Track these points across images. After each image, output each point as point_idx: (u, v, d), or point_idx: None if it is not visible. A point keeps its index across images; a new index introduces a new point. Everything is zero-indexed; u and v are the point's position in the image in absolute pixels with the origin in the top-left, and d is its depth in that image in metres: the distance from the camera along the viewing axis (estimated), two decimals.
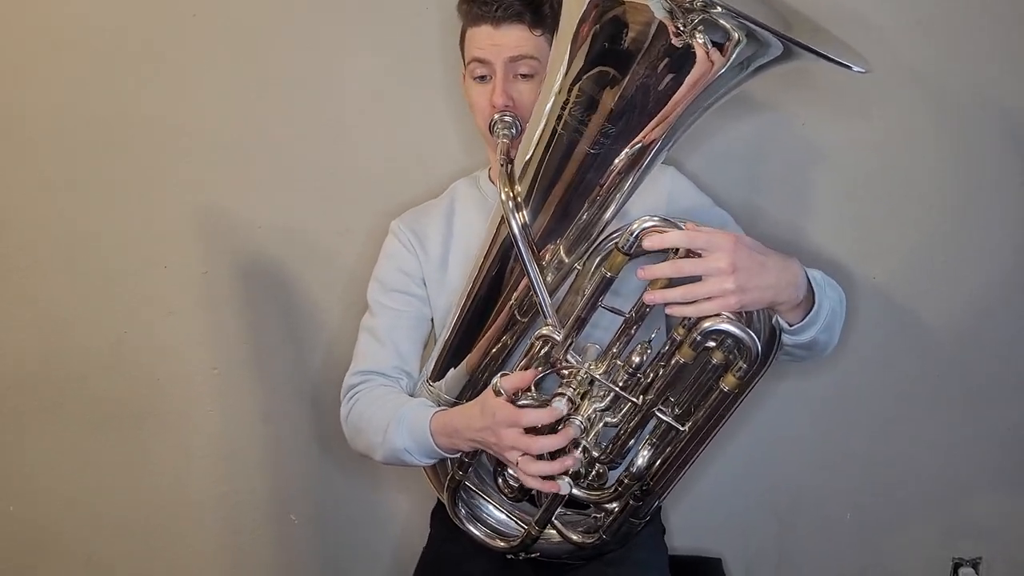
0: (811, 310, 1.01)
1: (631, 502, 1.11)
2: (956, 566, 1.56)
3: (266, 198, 1.49)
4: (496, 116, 1.14)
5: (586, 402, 1.03)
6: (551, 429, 0.99)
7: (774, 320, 1.01)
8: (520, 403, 1.01)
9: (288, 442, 1.58)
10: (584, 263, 1.08)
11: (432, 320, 1.29)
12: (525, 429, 0.99)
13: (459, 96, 1.40)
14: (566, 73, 0.98)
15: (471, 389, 1.19)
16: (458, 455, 1.16)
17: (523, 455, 0.99)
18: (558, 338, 1.03)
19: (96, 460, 1.59)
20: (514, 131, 1.13)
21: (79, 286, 1.52)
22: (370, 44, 1.43)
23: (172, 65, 1.44)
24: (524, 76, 1.15)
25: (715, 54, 0.89)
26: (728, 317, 0.93)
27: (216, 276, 1.51)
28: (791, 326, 1.01)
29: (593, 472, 1.10)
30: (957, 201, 1.43)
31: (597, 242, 1.06)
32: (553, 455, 1.01)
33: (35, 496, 1.61)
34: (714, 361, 1.00)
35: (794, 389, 1.51)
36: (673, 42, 0.89)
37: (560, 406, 0.99)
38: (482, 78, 1.17)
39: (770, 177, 1.44)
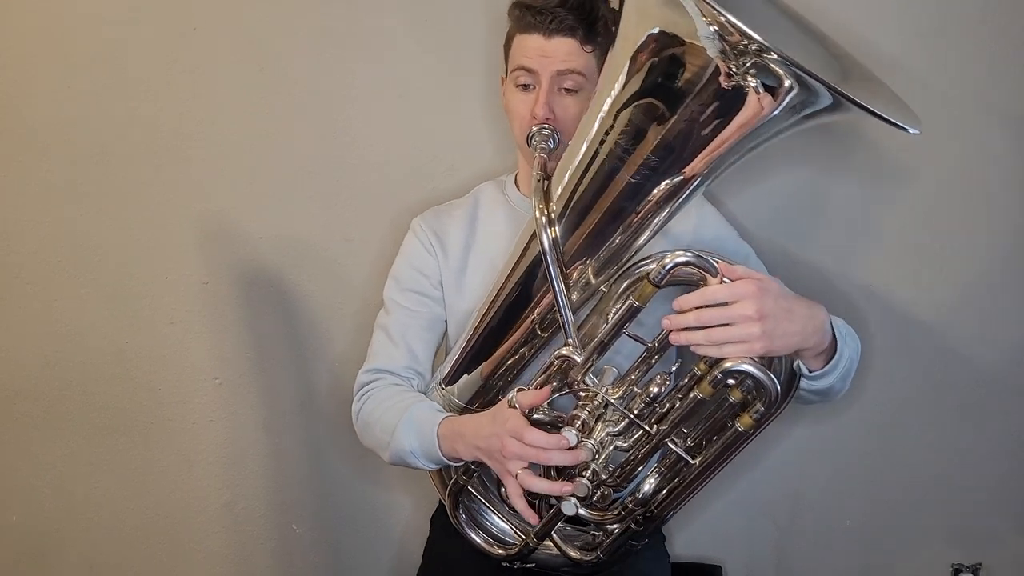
0: (832, 357, 1.02)
1: (632, 526, 1.12)
2: (956, 572, 1.56)
3: (267, 207, 1.49)
4: (535, 128, 1.13)
5: (599, 425, 1.03)
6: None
7: (795, 365, 1.01)
8: (535, 417, 1.01)
9: (290, 451, 1.59)
10: (610, 287, 1.07)
11: (446, 322, 1.28)
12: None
13: (474, 102, 1.41)
14: (616, 99, 0.98)
15: (483, 396, 1.19)
16: (460, 463, 1.16)
17: (525, 468, 0.99)
18: (578, 360, 1.02)
19: (98, 469, 1.59)
20: (551, 144, 1.12)
21: (81, 296, 1.53)
22: (375, 54, 1.44)
23: (174, 77, 1.45)
24: (568, 90, 1.14)
25: (766, 99, 0.88)
26: (750, 359, 0.93)
27: (217, 286, 1.52)
28: (811, 372, 1.02)
29: (598, 494, 1.10)
30: (956, 207, 1.43)
31: (625, 267, 1.06)
32: (560, 473, 1.02)
33: (37, 506, 1.61)
34: (731, 399, 1.00)
35: None
36: (724, 83, 0.89)
37: (570, 436, 0.98)
38: (525, 86, 1.16)
39: (769, 184, 1.45)
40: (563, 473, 1.06)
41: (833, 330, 1.02)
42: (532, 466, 1.02)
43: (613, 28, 1.13)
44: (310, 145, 1.47)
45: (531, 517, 1.03)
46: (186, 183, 1.48)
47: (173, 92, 1.45)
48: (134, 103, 1.46)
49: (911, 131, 0.88)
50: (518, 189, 1.30)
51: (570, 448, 0.98)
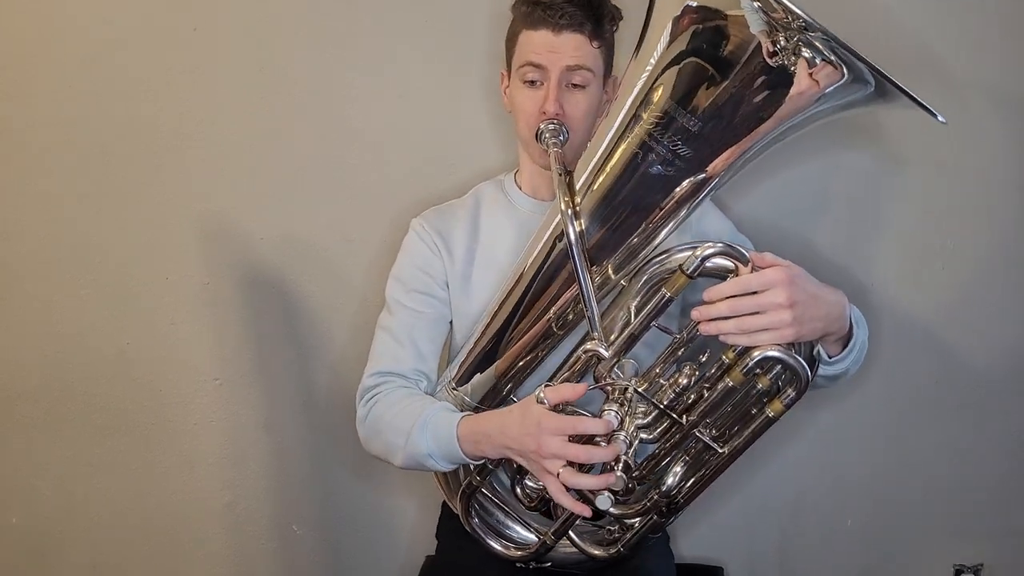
0: (848, 342, 1.03)
1: (655, 517, 1.12)
2: (957, 572, 1.57)
3: (267, 208, 1.49)
4: (543, 124, 1.13)
5: (628, 418, 1.02)
6: (591, 443, 0.98)
7: (815, 351, 1.02)
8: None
9: (291, 452, 1.58)
10: (629, 281, 1.07)
11: (451, 322, 1.27)
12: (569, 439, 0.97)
13: (474, 102, 1.40)
14: (645, 84, 0.97)
15: (494, 396, 1.18)
16: (481, 462, 1.14)
17: (565, 466, 0.97)
18: (605, 353, 1.01)
19: (99, 470, 1.58)
20: (561, 138, 1.12)
21: (81, 296, 1.52)
22: (372, 56, 1.44)
23: (174, 77, 1.45)
24: (576, 86, 1.14)
25: (819, 74, 0.87)
26: (779, 345, 0.94)
27: (217, 286, 1.51)
28: (830, 357, 1.03)
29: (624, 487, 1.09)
30: (959, 208, 1.44)
31: (645, 262, 1.06)
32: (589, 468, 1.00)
33: (38, 506, 1.60)
34: (759, 387, 1.01)
35: None
36: (768, 61, 0.87)
37: (612, 419, 0.97)
38: (532, 83, 1.16)
39: (775, 180, 1.45)
40: (590, 469, 1.04)
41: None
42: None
43: (619, 24, 1.16)
44: (310, 145, 1.47)
45: (583, 510, 1.00)
46: (186, 183, 1.48)
47: (173, 92, 1.45)
48: (134, 103, 1.45)
49: (940, 119, 0.88)
50: (519, 188, 1.29)
51: (613, 432, 0.97)
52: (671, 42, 0.94)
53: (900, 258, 1.46)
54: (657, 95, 0.96)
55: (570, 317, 1.10)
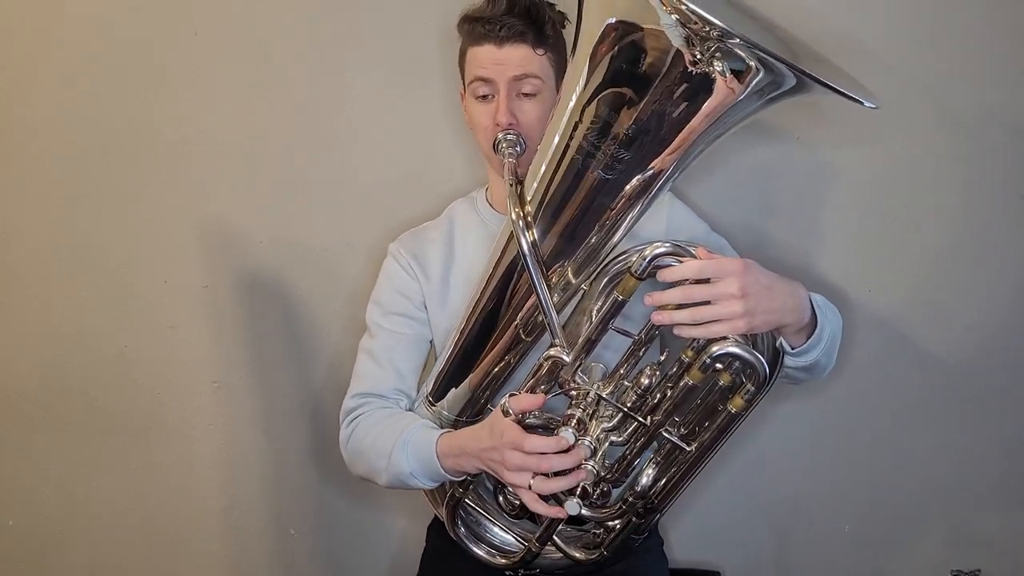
0: (813, 333, 1.03)
1: (633, 519, 1.12)
2: None
3: (266, 212, 1.49)
4: (500, 135, 1.14)
5: (594, 422, 1.03)
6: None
7: (778, 343, 1.03)
8: (528, 422, 1.01)
9: (289, 456, 1.58)
10: (590, 285, 1.08)
11: (431, 342, 1.29)
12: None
13: (460, 111, 1.41)
14: (581, 96, 0.98)
15: (471, 407, 1.19)
16: (462, 477, 1.15)
17: (536, 477, 0.98)
18: (567, 359, 1.03)
19: (98, 472, 1.59)
20: (518, 149, 1.13)
21: (81, 298, 1.53)
22: (372, 59, 1.44)
23: (174, 82, 1.45)
24: (527, 95, 1.15)
25: (732, 83, 0.89)
26: (736, 340, 0.95)
27: (216, 290, 1.52)
28: (794, 348, 1.03)
29: (598, 491, 1.10)
30: (954, 213, 1.43)
31: (604, 264, 1.06)
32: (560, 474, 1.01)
33: (36, 509, 1.61)
34: (721, 383, 1.01)
35: (791, 401, 1.51)
36: (690, 70, 0.89)
37: (567, 435, 0.98)
38: (484, 97, 1.17)
39: (760, 189, 1.44)
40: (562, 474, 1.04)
41: (813, 306, 1.03)
42: None
43: (566, 25, 1.17)
44: (310, 147, 1.47)
45: (559, 514, 1.02)
46: (186, 186, 1.48)
47: (173, 93, 1.46)
48: (134, 104, 1.46)
49: (868, 104, 0.89)
50: (490, 205, 1.30)
51: (569, 447, 0.99)
52: (599, 53, 0.96)
53: (897, 263, 1.46)
54: (591, 102, 0.97)
55: (539, 319, 1.10)
